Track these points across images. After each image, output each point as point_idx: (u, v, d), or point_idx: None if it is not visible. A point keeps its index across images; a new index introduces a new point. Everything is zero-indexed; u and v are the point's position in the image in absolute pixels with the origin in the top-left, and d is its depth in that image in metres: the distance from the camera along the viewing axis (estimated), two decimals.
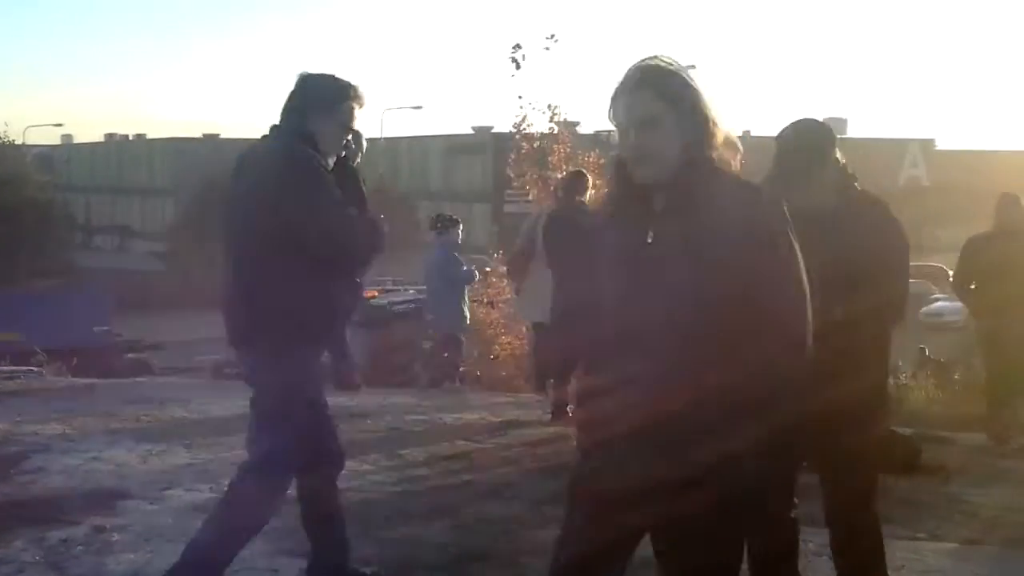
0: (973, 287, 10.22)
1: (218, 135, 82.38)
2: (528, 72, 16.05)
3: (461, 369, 13.69)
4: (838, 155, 4.75)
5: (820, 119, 4.84)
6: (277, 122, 4.82)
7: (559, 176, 15.97)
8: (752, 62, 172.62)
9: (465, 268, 13.08)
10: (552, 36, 16.22)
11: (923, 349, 16.52)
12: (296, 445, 4.77)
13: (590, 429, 3.39)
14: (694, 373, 3.10)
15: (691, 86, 3.28)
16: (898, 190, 63.64)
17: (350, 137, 4.88)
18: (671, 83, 3.26)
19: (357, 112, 4.84)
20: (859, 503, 4.88)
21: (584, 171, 10.18)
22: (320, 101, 4.76)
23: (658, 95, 3.24)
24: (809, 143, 4.68)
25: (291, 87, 4.83)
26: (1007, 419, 10.07)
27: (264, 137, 4.90)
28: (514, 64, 15.74)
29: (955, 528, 6.85)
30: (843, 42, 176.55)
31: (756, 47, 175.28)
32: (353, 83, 4.83)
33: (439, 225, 13.11)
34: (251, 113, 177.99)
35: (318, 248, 4.65)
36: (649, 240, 3.25)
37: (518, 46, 15.71)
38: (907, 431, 9.59)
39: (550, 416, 9.43)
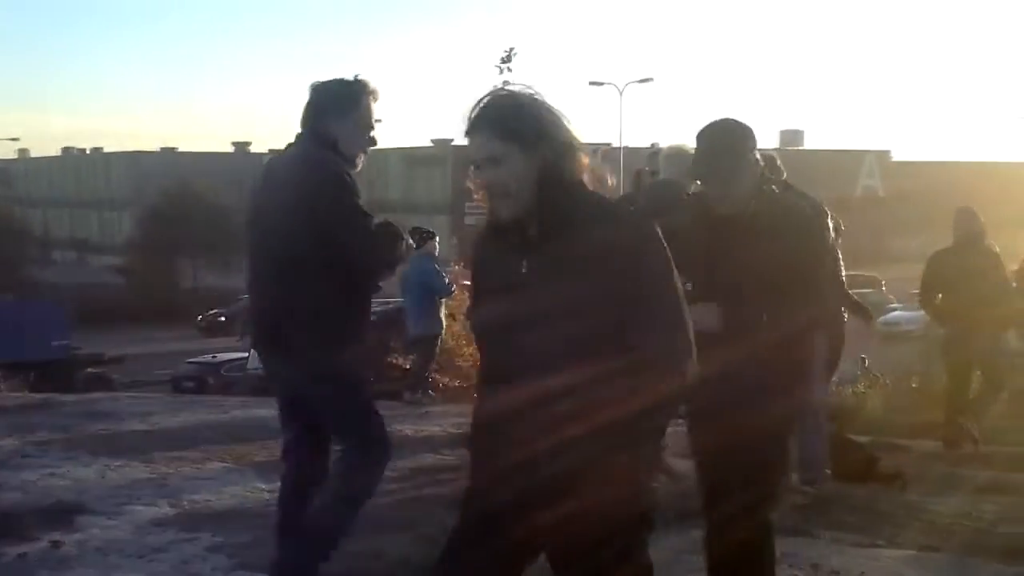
0: (940, 297, 10.51)
1: (175, 148, 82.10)
2: (487, 84, 16.07)
3: (429, 378, 13.86)
4: (757, 157, 4.61)
5: (739, 120, 4.66)
6: (299, 131, 4.93)
7: None
8: (710, 75, 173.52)
9: (447, 281, 13.44)
10: (511, 50, 16.24)
11: (863, 359, 16.62)
12: (379, 430, 5.02)
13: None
14: (567, 406, 3.13)
15: (536, 115, 3.26)
16: (854, 200, 64.22)
17: (373, 133, 4.97)
18: (509, 119, 3.24)
19: (374, 107, 4.92)
20: (757, 512, 4.64)
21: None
22: (336, 105, 4.84)
23: (496, 134, 3.23)
24: (725, 145, 4.55)
25: (306, 98, 4.92)
26: (962, 426, 10.21)
27: (289, 146, 4.99)
28: (500, 72, 15.74)
29: (913, 535, 6.89)
30: (800, 55, 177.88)
31: (714, 60, 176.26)
32: (362, 79, 4.90)
33: (415, 239, 13.17)
34: (208, 126, 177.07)
35: (347, 253, 4.72)
36: (523, 269, 3.26)
37: (510, 54, 15.67)
38: (863, 439, 9.69)
39: None
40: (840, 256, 7.65)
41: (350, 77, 4.90)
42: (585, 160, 3.30)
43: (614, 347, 3.14)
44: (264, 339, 5.03)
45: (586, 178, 3.29)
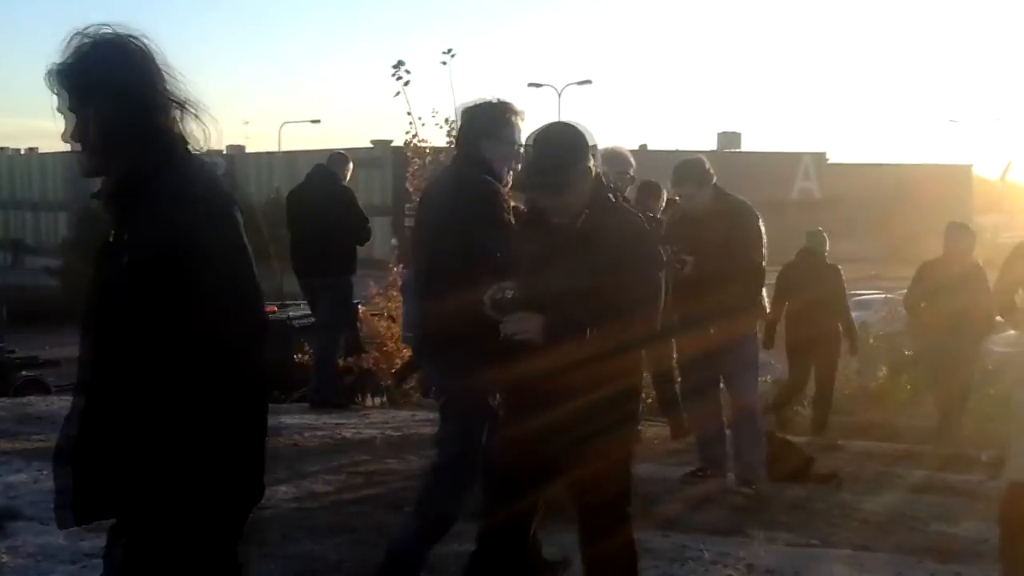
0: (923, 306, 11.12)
1: None
2: (423, 87, 16.02)
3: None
4: (591, 165, 4.40)
5: (574, 125, 4.48)
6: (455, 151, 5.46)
7: None
8: (648, 77, 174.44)
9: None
10: (450, 51, 16.22)
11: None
12: (479, 447, 5.18)
13: None
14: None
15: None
16: (791, 202, 64.73)
17: (522, 150, 5.23)
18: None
19: (521, 126, 5.28)
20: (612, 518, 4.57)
21: (653, 182, 9.83)
22: (487, 128, 5.23)
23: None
24: (555, 156, 4.34)
25: (459, 121, 5.41)
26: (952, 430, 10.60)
27: (446, 168, 5.57)
28: (399, 80, 15.68)
29: (848, 534, 6.98)
30: (739, 58, 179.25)
31: (652, 63, 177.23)
32: (509, 102, 5.30)
33: None
34: None
35: (500, 268, 4.94)
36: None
37: (400, 63, 15.63)
38: (800, 439, 9.79)
39: None
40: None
41: (495, 99, 5.29)
42: None
43: None
44: (418, 345, 5.65)
45: None
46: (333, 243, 10.69)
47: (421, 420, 10.32)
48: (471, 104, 5.33)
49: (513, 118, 5.28)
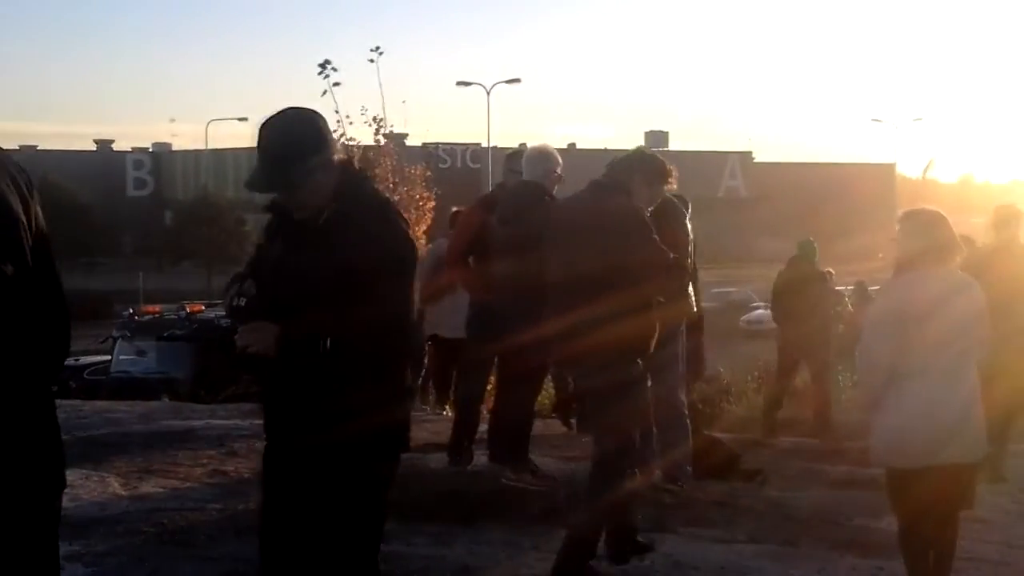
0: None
1: (36, 146, 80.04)
2: (351, 85, 15.95)
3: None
4: (330, 156, 3.99)
5: (304, 115, 4.00)
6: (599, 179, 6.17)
7: (389, 188, 15.97)
8: (577, 76, 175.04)
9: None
10: (378, 48, 16.17)
11: None
12: (631, 442, 5.96)
13: None
14: None
15: None
16: (718, 201, 65.34)
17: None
18: None
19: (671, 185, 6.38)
20: None
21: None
22: (648, 173, 6.14)
23: None
24: (282, 152, 3.91)
25: (625, 156, 6.31)
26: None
27: (581, 192, 6.26)
28: (326, 79, 15.61)
29: (773, 530, 7.04)
30: (667, 57, 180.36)
31: (581, 61, 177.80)
32: (670, 166, 6.27)
33: None
34: (70, 124, 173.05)
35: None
36: None
37: (327, 62, 15.57)
38: (726, 437, 9.87)
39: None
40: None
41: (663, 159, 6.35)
42: None
43: None
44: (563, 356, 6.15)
45: None
46: None
47: None
48: (644, 151, 6.51)
49: (670, 182, 6.36)
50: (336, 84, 15.28)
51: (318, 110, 4.03)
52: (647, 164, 6.25)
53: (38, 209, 3.47)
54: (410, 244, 4.07)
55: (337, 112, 15.69)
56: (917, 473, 5.44)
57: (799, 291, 11.76)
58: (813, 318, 11.73)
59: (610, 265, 5.72)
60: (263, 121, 3.97)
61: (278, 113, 3.97)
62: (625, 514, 6.14)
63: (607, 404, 5.87)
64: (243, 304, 3.95)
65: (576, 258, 5.84)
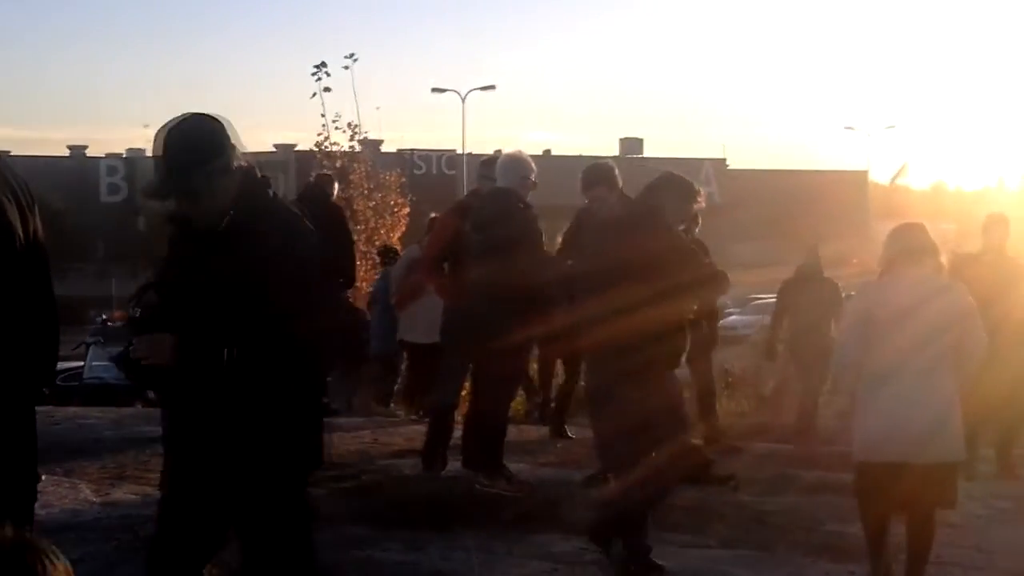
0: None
1: (9, 152, 79.70)
2: (330, 91, 15.97)
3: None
4: (232, 162, 3.89)
5: (211, 116, 3.92)
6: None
7: (364, 194, 15.99)
8: (551, 82, 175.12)
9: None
10: (352, 55, 16.20)
11: None
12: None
13: None
14: None
15: None
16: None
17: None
18: None
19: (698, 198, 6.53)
20: None
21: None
22: (678, 194, 6.36)
23: None
24: (185, 159, 3.82)
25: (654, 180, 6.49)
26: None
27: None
28: (319, 81, 15.66)
29: (746, 535, 7.06)
30: (640, 64, 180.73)
31: (555, 68, 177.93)
32: (697, 187, 6.50)
33: (387, 257, 14.05)
34: (43, 130, 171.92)
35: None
36: None
37: (323, 64, 15.63)
38: (698, 442, 9.88)
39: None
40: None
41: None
42: None
43: None
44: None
45: None
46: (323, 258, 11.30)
47: None
48: (673, 175, 6.48)
49: (696, 204, 6.60)
50: (327, 89, 15.40)
51: (220, 118, 3.94)
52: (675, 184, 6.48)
53: (38, 223, 3.46)
54: (313, 251, 3.97)
55: (323, 116, 15.76)
56: (892, 471, 5.52)
57: (806, 299, 11.72)
58: (824, 325, 11.48)
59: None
60: (162, 128, 3.88)
61: (178, 120, 3.88)
62: (640, 530, 6.17)
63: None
64: (139, 315, 3.85)
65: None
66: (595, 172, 7.88)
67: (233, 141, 3.91)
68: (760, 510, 7.69)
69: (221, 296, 3.74)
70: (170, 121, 3.88)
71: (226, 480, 3.84)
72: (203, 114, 3.92)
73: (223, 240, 3.82)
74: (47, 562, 2.22)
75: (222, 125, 3.89)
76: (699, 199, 6.53)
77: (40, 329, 3.30)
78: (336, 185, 12.41)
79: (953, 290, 5.85)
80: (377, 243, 16.18)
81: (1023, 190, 64.59)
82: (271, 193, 4.04)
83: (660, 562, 6.08)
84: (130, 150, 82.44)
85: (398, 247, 14.76)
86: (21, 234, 3.17)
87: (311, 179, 12.46)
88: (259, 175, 4.02)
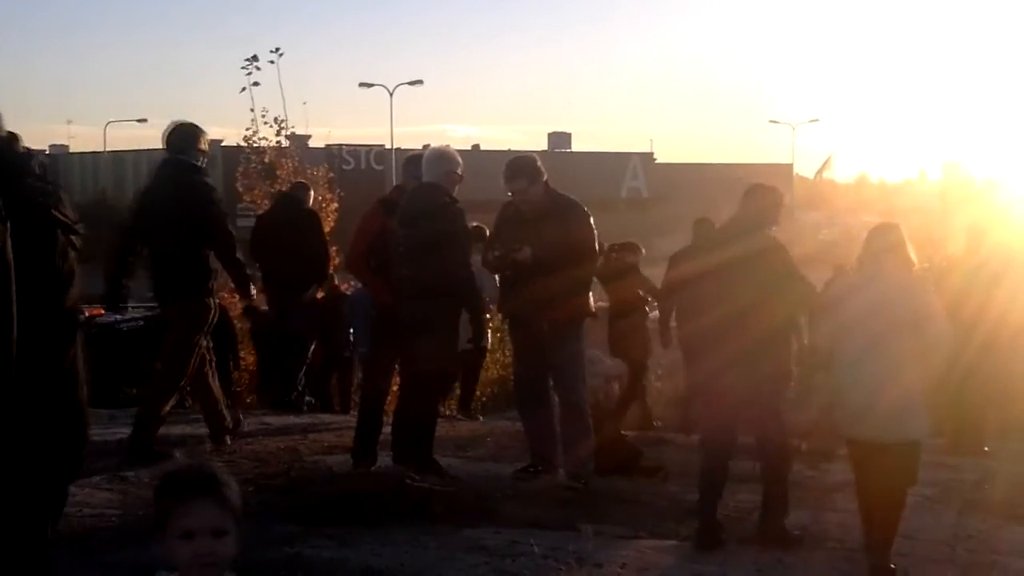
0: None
1: None
2: (259, 85, 15.83)
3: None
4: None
5: None
6: None
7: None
8: (479, 77, 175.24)
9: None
10: (278, 50, 16.07)
11: None
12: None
13: None
14: None
15: None
16: (621, 201, 65.77)
17: None
18: None
19: None
20: None
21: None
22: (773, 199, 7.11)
23: None
24: None
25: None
26: None
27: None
28: (249, 75, 15.52)
29: (674, 526, 7.12)
30: (567, 59, 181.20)
31: (483, 62, 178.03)
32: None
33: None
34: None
35: None
36: None
37: (254, 57, 15.50)
38: (629, 434, 9.95)
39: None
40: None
41: None
42: None
43: None
44: None
45: None
46: (300, 262, 11.77)
47: (244, 417, 10.15)
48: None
49: None
50: (256, 84, 15.31)
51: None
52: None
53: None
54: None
55: (252, 110, 15.65)
56: (866, 449, 6.24)
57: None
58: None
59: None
60: None
61: None
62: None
63: None
64: None
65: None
66: (515, 166, 7.89)
67: None
68: (689, 500, 7.72)
69: None
70: None
71: None
72: None
73: None
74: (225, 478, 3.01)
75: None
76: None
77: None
78: (311, 193, 12.99)
79: (916, 287, 6.45)
80: None
81: (944, 181, 65.55)
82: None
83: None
84: (53, 146, 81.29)
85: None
86: None
87: (287, 187, 13.28)
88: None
